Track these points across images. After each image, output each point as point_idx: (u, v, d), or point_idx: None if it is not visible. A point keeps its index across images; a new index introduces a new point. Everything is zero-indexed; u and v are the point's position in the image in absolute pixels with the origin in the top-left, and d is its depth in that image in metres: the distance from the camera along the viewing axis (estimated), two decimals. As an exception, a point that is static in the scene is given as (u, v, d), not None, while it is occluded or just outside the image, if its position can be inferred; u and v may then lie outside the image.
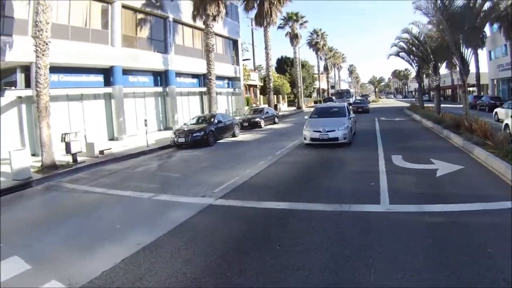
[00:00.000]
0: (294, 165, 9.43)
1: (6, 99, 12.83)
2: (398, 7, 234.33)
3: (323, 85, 66.68)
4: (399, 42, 24.43)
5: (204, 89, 24.19)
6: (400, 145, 11.31)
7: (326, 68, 68.56)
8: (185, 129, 14.89)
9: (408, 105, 33.68)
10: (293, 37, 42.09)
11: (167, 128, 21.32)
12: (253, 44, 43.70)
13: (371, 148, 11.04)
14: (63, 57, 13.91)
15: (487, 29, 30.35)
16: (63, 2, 14.32)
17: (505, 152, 7.57)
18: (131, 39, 18.70)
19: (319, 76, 61.47)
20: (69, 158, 11.36)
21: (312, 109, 16.45)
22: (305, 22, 42.62)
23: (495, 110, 18.90)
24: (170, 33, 21.41)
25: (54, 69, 12.47)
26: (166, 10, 20.96)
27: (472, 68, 21.53)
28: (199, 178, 8.42)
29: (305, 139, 11.97)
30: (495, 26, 29.48)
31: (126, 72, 18.03)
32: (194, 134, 14.14)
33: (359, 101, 36.08)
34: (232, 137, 16.98)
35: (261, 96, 41.73)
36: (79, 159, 11.38)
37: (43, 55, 10.45)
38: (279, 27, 40.11)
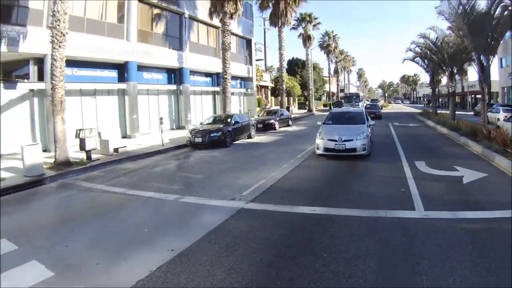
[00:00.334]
0: (319, 169, 9.11)
1: (17, 92, 12.36)
2: (409, 12, 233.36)
3: (333, 88, 65.79)
4: (415, 47, 23.95)
5: (217, 88, 23.69)
6: (420, 151, 11.27)
7: (336, 71, 67.70)
8: (201, 129, 14.36)
9: (418, 111, 33.69)
10: (306, 39, 41.39)
11: (179, 127, 20.79)
12: (264, 45, 43.32)
13: (392, 153, 10.99)
14: (78, 50, 13.34)
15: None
16: (79, -7, 13.86)
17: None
18: (147, 34, 18.18)
19: (329, 79, 60.69)
20: (82, 155, 10.84)
21: (322, 113, 15.78)
22: (318, 23, 41.84)
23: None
24: (186, 30, 20.87)
25: (68, 63, 11.80)
26: (182, 6, 20.44)
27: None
28: (223, 180, 8.05)
29: (317, 148, 10.35)
30: (508, 34, 28.78)
31: (141, 68, 17.52)
32: (212, 134, 13.62)
33: (370, 106, 33.42)
34: (248, 138, 16.42)
35: (272, 97, 41.13)
36: (93, 156, 10.85)
37: (59, 46, 9.94)
38: (292, 28, 39.34)
